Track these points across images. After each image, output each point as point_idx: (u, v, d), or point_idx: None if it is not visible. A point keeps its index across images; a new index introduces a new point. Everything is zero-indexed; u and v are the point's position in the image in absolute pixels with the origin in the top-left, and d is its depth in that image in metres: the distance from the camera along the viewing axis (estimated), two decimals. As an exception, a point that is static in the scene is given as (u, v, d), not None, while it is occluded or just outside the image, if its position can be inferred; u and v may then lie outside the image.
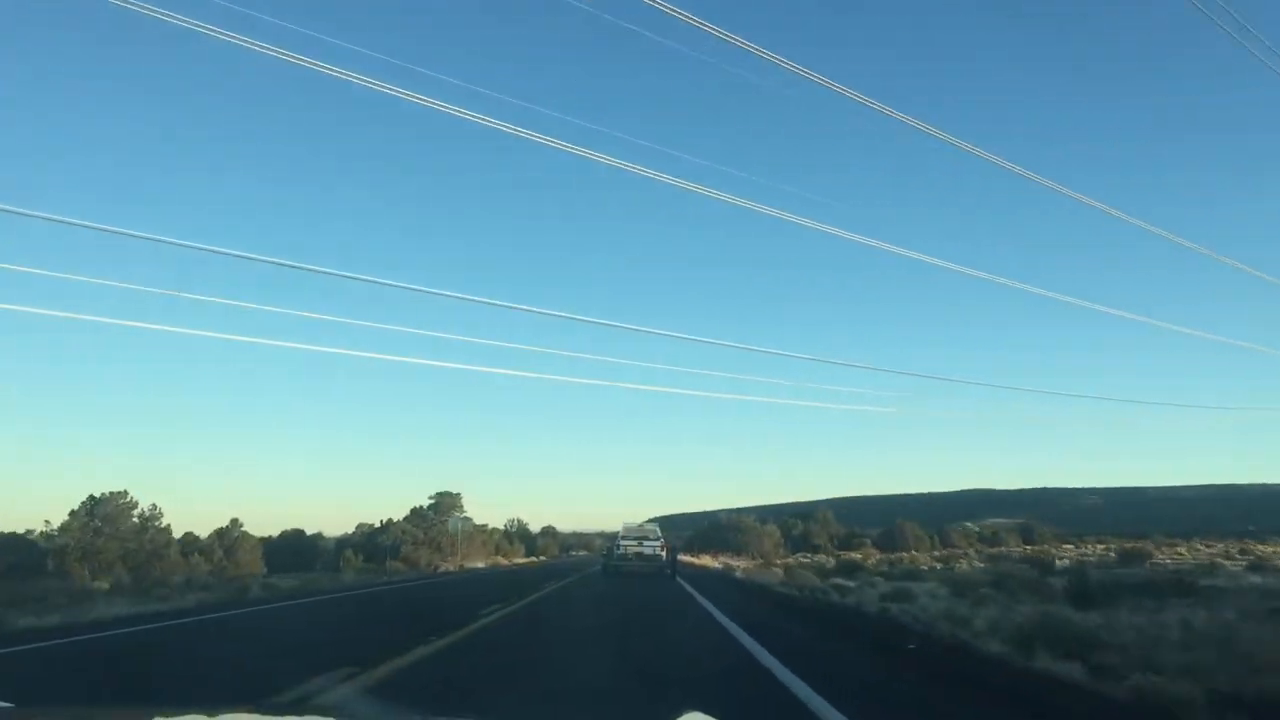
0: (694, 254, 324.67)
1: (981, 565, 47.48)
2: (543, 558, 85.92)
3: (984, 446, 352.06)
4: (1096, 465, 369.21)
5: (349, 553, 66.14)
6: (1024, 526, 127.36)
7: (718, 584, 30.81)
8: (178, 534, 68.24)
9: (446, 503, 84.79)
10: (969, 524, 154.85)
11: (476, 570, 43.36)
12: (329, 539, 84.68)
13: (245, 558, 67.26)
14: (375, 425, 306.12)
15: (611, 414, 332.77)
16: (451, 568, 51.28)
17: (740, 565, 53.73)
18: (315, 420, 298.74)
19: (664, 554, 36.38)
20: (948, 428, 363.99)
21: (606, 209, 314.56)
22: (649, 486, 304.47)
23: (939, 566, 49.88)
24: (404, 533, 77.48)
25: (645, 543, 36.50)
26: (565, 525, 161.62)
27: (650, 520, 42.27)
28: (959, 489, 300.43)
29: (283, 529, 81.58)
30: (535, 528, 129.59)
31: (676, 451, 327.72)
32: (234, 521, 67.71)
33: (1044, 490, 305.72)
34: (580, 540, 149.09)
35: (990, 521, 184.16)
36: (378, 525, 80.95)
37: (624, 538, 36.93)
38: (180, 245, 25.17)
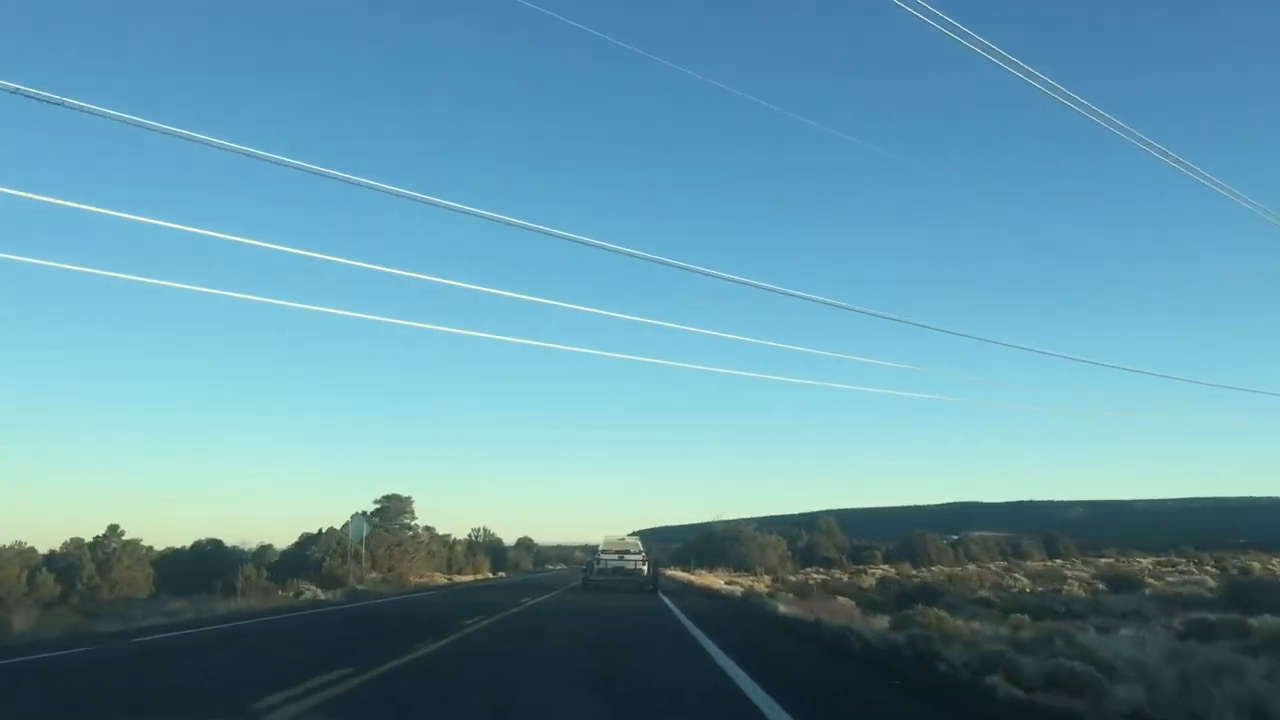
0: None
1: (1101, 587, 31.61)
2: (501, 574, 69.16)
3: (965, 459, 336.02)
4: (1078, 477, 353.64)
5: (249, 568, 49.75)
6: (1048, 538, 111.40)
7: (796, 648, 14.55)
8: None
9: (395, 508, 68.48)
10: (953, 535, 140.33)
11: (370, 597, 26.78)
12: (276, 550, 68.65)
13: (126, 575, 50.79)
14: (330, 420, 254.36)
15: (595, 422, 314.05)
16: (360, 585, 35.35)
17: (758, 584, 37.78)
18: (259, 412, 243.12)
19: (646, 568, 32.73)
20: (928, 439, 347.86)
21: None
22: (634, 498, 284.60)
23: (1034, 589, 33.99)
24: (338, 543, 61.19)
25: (627, 556, 33.04)
26: (546, 537, 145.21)
27: (633, 533, 39.39)
28: (939, 502, 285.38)
29: (196, 539, 65.10)
30: (510, 539, 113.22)
31: (663, 462, 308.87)
32: (112, 529, 51.23)
33: (1026, 503, 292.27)
34: (560, 553, 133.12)
35: (977, 534, 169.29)
36: (318, 533, 64.63)
37: (604, 551, 33.90)
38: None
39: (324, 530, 63.04)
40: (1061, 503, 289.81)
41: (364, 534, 32.81)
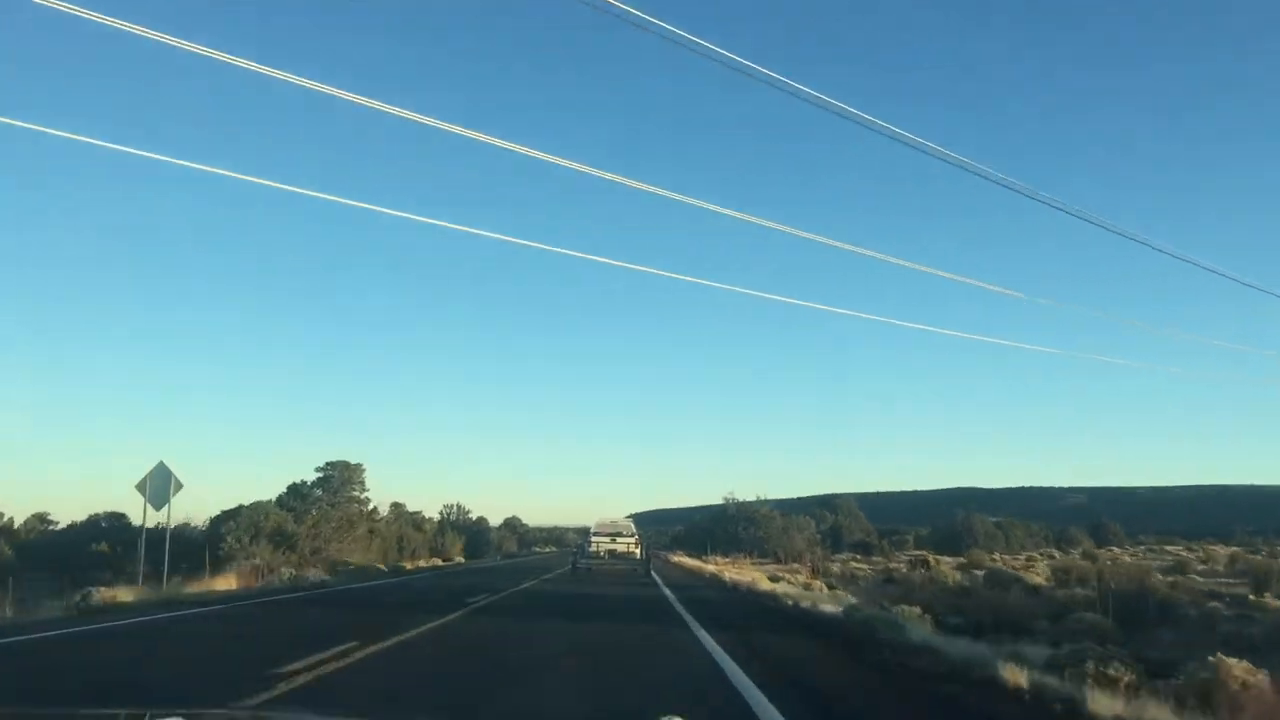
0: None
1: None
2: (460, 561, 54.46)
3: (963, 444, 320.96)
4: (1079, 463, 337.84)
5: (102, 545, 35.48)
6: (1093, 525, 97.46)
7: None
8: None
9: (340, 476, 54.19)
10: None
11: (95, 618, 12.42)
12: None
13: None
14: (286, 382, 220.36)
15: (588, 405, 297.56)
16: (236, 584, 21.46)
17: (812, 580, 23.61)
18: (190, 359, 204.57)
19: (639, 551, 29.55)
20: (926, 423, 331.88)
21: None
22: (632, 481, 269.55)
23: None
24: (266, 517, 46.93)
25: (619, 539, 29.59)
26: (541, 519, 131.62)
27: (629, 516, 34.57)
28: (937, 487, 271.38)
29: (92, 512, 50.88)
30: (498, 519, 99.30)
31: (661, 443, 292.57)
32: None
33: (1025, 489, 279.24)
34: (552, 535, 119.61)
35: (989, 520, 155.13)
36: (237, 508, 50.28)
37: (596, 534, 30.45)
38: None
39: (244, 505, 48.82)
40: (1061, 489, 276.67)
41: (170, 496, 18.39)
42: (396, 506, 68.85)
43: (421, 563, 43.76)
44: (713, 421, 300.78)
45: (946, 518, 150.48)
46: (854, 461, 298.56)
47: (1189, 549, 70.44)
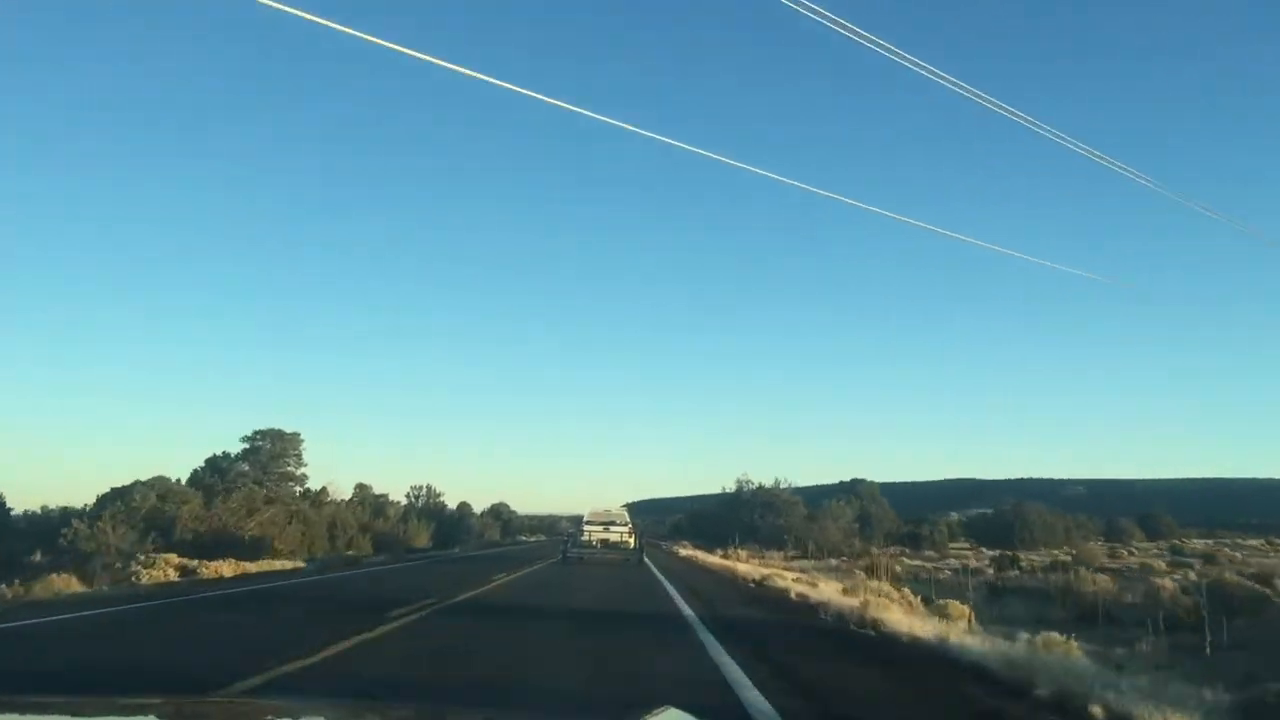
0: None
1: None
2: (382, 558, 41.96)
3: (960, 434, 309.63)
4: (1079, 455, 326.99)
5: None
6: (1143, 516, 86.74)
7: None
8: None
9: (271, 448, 42.97)
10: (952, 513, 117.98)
11: None
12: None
13: None
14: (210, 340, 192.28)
15: (586, 394, 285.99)
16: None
17: (956, 610, 12.71)
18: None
19: (632, 540, 28.89)
20: (924, 414, 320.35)
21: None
22: (629, 470, 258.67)
23: None
24: (144, 497, 35.70)
25: (612, 528, 29.02)
26: (534, 507, 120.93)
27: (624, 505, 33.51)
28: (934, 479, 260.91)
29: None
30: (479, 506, 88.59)
31: (658, 431, 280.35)
32: None
33: (1024, 480, 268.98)
34: (544, 524, 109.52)
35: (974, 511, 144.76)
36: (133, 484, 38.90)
37: (589, 522, 29.47)
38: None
39: (140, 481, 37.51)
40: (1060, 480, 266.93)
41: None
42: (362, 488, 58.05)
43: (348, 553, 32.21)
44: (715, 405, 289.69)
45: (947, 509, 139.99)
46: (853, 453, 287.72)
47: (1270, 543, 59.33)
